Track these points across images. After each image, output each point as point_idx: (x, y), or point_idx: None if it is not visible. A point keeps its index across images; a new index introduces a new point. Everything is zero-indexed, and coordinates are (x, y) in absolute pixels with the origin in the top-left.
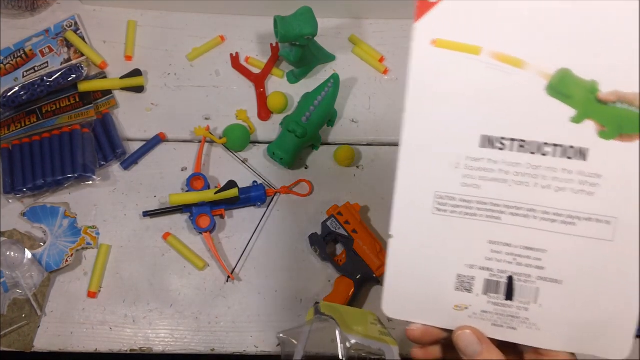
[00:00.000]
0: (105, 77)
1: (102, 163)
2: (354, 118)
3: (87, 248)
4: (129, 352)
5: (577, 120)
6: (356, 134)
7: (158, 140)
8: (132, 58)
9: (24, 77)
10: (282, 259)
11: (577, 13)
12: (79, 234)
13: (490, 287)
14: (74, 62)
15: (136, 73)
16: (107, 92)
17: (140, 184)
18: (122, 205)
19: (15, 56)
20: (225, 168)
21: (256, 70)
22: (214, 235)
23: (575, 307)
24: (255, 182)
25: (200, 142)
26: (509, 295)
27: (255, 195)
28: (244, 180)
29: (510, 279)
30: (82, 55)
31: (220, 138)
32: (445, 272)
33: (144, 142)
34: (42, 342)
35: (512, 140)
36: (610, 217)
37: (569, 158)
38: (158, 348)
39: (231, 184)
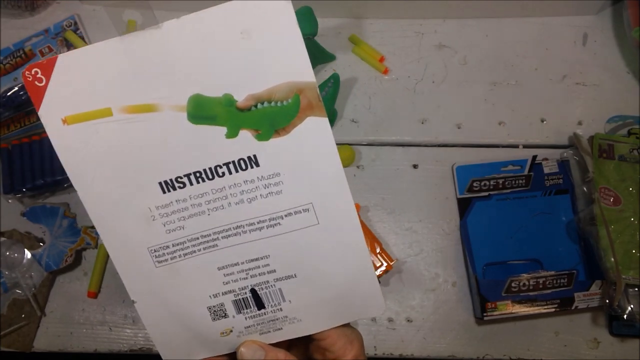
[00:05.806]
0: None
1: None
2: (354, 118)
3: (86, 248)
4: (128, 352)
5: (231, 135)
6: (356, 134)
7: None
8: None
9: None
10: None
11: (178, 45)
12: (79, 234)
13: (240, 305)
14: None
15: None
16: None
17: None
18: None
19: (15, 56)
20: None
21: None
22: None
23: (318, 289)
24: None
25: None
26: (260, 305)
27: None
28: None
29: (253, 291)
30: None
31: None
32: (196, 310)
33: None
34: (42, 343)
35: (187, 175)
36: (306, 204)
37: (244, 170)
38: None
39: None
